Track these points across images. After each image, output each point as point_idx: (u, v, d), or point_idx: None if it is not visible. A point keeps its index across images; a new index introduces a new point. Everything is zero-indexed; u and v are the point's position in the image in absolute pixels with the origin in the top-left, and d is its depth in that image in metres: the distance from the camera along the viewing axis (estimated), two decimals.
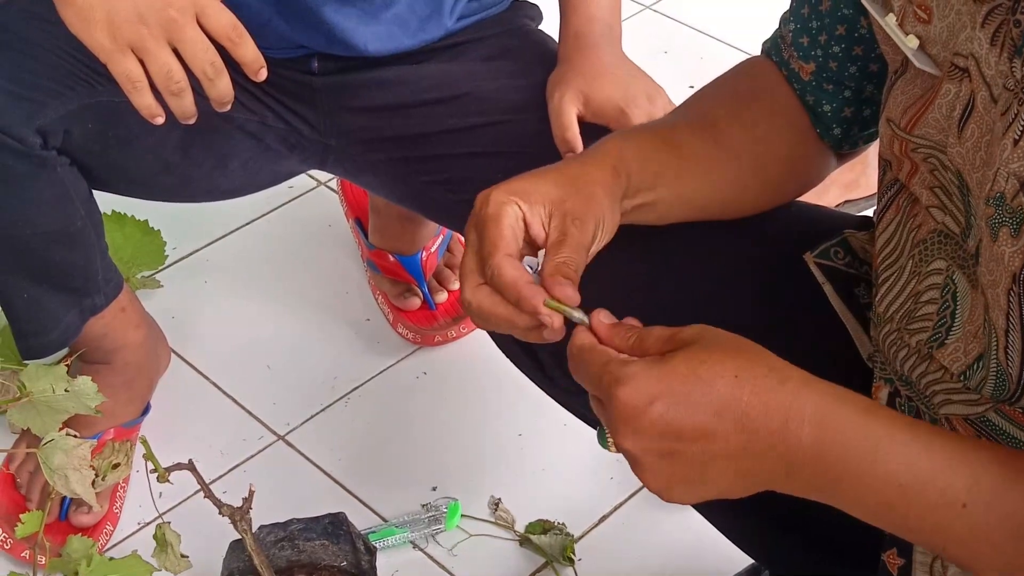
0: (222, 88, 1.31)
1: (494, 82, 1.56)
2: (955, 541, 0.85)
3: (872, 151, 2.04)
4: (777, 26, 1.17)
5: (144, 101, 1.28)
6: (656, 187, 1.08)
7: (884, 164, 1.06)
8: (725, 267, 1.17)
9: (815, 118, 1.14)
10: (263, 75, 1.33)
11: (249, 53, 1.31)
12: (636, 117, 1.44)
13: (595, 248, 1.01)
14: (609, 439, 0.90)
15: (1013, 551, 0.84)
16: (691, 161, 1.12)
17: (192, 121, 1.32)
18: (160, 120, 1.30)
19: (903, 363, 1.02)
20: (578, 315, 0.94)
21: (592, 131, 1.44)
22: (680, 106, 1.21)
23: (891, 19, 0.96)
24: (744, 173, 1.15)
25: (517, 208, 0.99)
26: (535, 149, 1.47)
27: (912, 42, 0.95)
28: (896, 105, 0.99)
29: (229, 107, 1.33)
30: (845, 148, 1.17)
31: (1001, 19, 0.87)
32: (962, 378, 0.95)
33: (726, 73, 1.22)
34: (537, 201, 1.00)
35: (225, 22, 1.28)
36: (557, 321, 0.93)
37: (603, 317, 0.93)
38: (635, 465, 0.88)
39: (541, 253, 1.02)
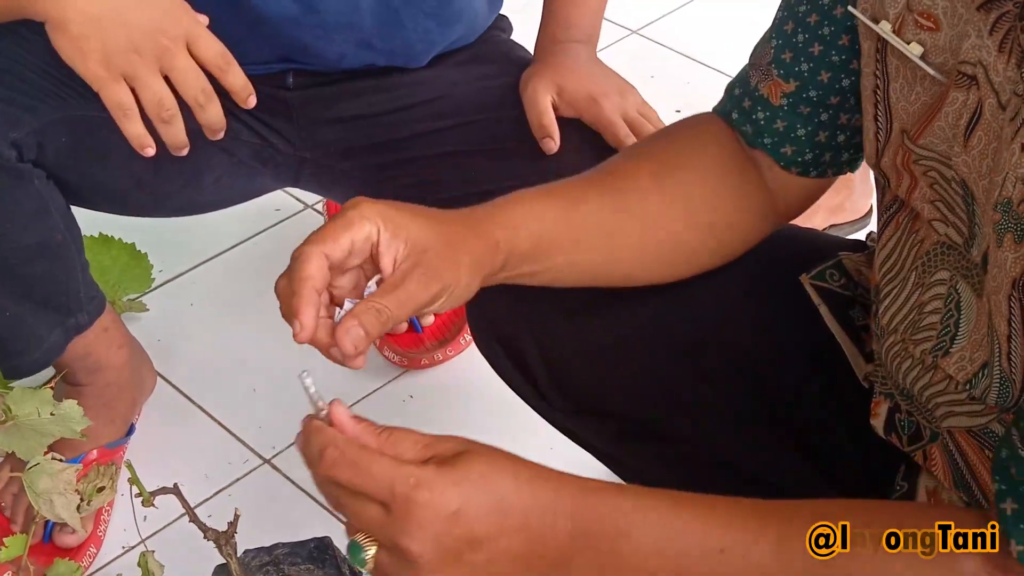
0: (213, 115, 1.31)
1: (466, 85, 1.57)
2: None
3: (857, 176, 2.06)
4: (745, 64, 1.15)
5: (135, 130, 1.29)
6: (548, 257, 1.08)
7: (882, 182, 1.05)
8: (722, 289, 1.17)
9: (778, 153, 1.12)
10: (252, 102, 1.34)
11: (238, 80, 1.32)
12: (608, 108, 1.47)
13: (433, 308, 1.00)
14: (367, 552, 0.86)
15: None
16: (591, 230, 1.10)
17: (184, 152, 1.33)
18: (151, 151, 1.31)
19: (906, 375, 1.02)
20: (322, 402, 0.94)
21: (567, 125, 1.48)
22: (604, 163, 1.16)
23: (885, 26, 0.97)
24: (652, 238, 1.13)
25: (375, 230, 0.97)
26: (511, 144, 1.49)
27: (916, 49, 0.95)
28: (909, 116, 0.98)
29: (221, 135, 1.33)
30: (812, 174, 1.14)
31: (1009, 26, 0.87)
32: (967, 386, 0.95)
33: (656, 134, 1.22)
34: (400, 236, 0.98)
35: (215, 51, 1.29)
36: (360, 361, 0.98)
37: (341, 411, 0.92)
38: (411, 569, 0.86)
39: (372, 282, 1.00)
